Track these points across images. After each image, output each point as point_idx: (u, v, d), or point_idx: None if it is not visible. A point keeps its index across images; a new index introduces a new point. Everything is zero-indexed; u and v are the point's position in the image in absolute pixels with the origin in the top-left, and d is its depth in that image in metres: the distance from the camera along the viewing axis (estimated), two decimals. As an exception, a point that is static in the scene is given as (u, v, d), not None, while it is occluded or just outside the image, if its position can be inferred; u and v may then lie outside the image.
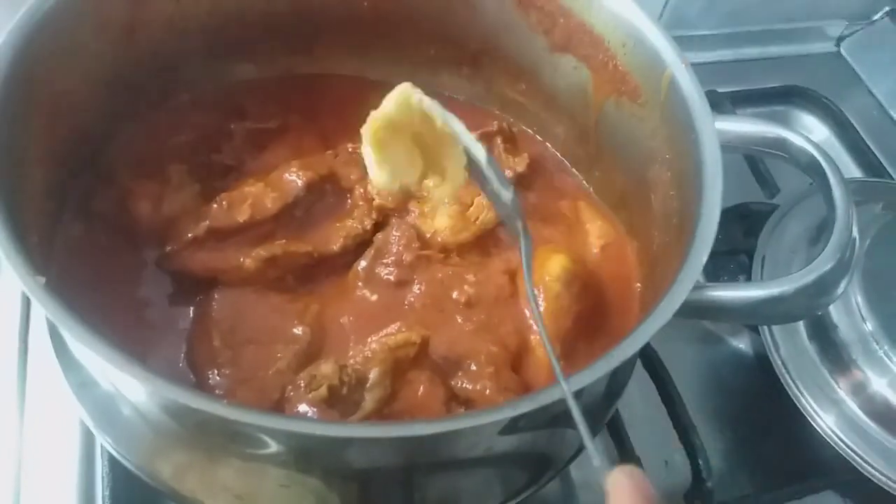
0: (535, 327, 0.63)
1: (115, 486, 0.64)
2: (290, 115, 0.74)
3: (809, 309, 0.60)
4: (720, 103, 1.01)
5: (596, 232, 0.72)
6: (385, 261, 0.65)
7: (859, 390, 0.74)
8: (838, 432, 0.73)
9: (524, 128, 0.80)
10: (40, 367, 0.72)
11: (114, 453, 0.57)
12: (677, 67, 0.60)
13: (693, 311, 0.50)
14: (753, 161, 0.97)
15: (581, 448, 0.61)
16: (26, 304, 0.76)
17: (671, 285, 0.49)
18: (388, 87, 0.78)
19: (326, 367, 0.54)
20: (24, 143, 0.54)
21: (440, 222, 0.67)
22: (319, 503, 0.52)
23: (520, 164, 0.72)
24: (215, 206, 0.63)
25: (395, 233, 0.65)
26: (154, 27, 0.67)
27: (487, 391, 0.57)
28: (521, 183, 0.73)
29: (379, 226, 0.67)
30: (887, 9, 1.20)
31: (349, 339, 0.62)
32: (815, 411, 0.74)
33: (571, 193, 0.75)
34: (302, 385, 0.54)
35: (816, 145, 0.57)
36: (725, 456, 0.80)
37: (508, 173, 0.71)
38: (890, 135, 1.12)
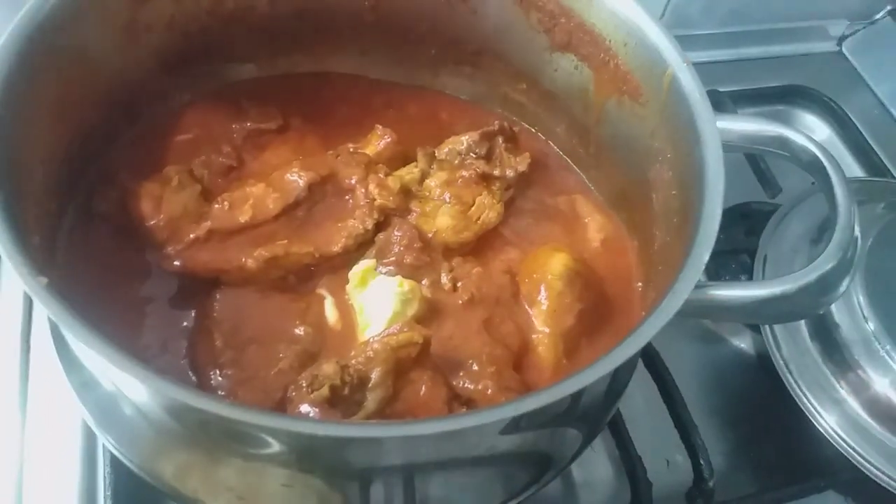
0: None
1: (117, 486, 0.64)
2: (290, 116, 0.74)
3: (811, 308, 0.60)
4: (722, 103, 1.01)
5: (595, 226, 0.72)
6: (387, 261, 0.65)
7: (861, 390, 0.74)
8: (840, 432, 0.73)
9: (526, 125, 0.80)
10: (42, 367, 0.72)
11: (115, 453, 0.57)
12: (679, 67, 0.60)
13: (695, 310, 0.50)
14: (755, 160, 0.97)
15: (582, 448, 0.61)
16: (28, 304, 0.76)
17: (673, 284, 0.49)
18: (389, 87, 0.77)
19: (328, 367, 0.54)
20: (25, 143, 0.54)
21: (442, 222, 0.67)
22: (321, 503, 0.52)
23: (521, 163, 0.72)
24: (217, 206, 0.63)
25: (396, 233, 0.65)
26: (155, 27, 0.67)
27: (489, 391, 0.57)
28: (523, 181, 0.73)
29: (380, 226, 0.66)
30: (889, 8, 1.20)
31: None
32: (816, 411, 0.74)
33: (572, 191, 0.75)
34: (304, 385, 0.54)
35: (818, 144, 0.57)
36: (727, 455, 0.80)
37: (510, 173, 0.71)
38: (892, 134, 1.12)
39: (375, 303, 0.61)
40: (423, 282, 0.64)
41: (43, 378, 0.72)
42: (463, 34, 0.76)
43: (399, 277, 0.63)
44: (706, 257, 0.51)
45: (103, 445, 0.67)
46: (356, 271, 0.63)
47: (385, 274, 0.64)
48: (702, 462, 0.71)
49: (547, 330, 0.63)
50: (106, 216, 0.63)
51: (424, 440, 0.46)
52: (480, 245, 0.69)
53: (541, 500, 0.62)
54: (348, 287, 0.64)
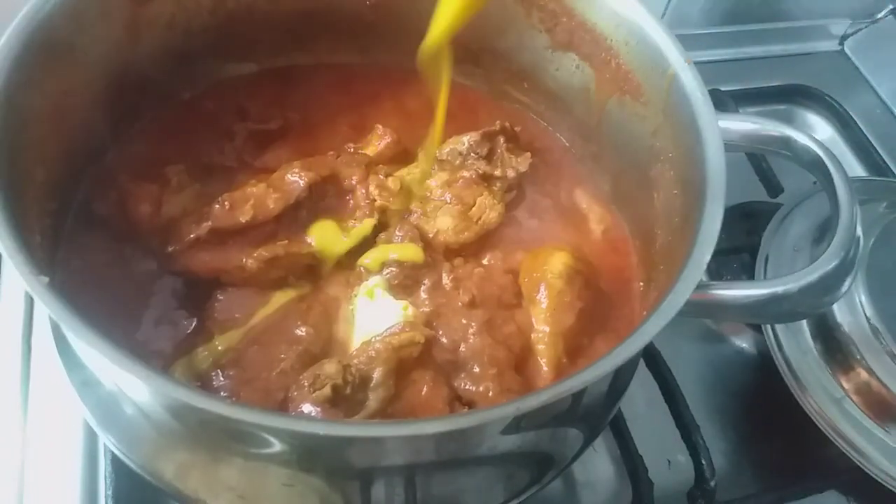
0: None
1: (118, 486, 0.64)
2: (291, 116, 0.74)
3: (813, 307, 0.60)
4: (723, 102, 1.01)
5: (595, 217, 0.72)
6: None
7: (863, 389, 0.74)
8: (841, 431, 0.73)
9: (534, 117, 0.79)
10: (43, 367, 0.72)
11: (117, 452, 0.57)
12: (680, 66, 0.60)
13: (696, 309, 0.50)
14: (757, 160, 0.97)
15: (584, 448, 0.61)
16: (29, 303, 0.76)
17: (674, 284, 0.49)
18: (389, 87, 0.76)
19: (330, 367, 0.54)
20: (25, 142, 0.54)
21: (442, 222, 0.67)
22: (322, 502, 0.52)
23: (522, 163, 0.72)
24: (217, 206, 0.63)
25: (397, 233, 0.65)
26: (155, 27, 0.67)
27: (490, 393, 0.57)
28: (524, 180, 0.73)
29: (381, 226, 0.66)
30: (891, 7, 1.20)
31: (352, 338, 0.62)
32: (818, 410, 0.74)
33: (572, 186, 0.75)
34: (306, 385, 0.54)
35: (820, 144, 0.57)
36: (728, 455, 0.79)
37: (511, 173, 0.71)
38: (893, 133, 1.12)
39: (375, 318, 0.61)
40: (425, 282, 0.64)
41: (44, 377, 0.72)
42: (463, 32, 0.76)
43: (405, 302, 0.63)
44: (708, 257, 0.50)
45: (104, 445, 0.67)
46: (368, 284, 0.64)
47: (388, 278, 0.64)
48: (703, 462, 0.71)
49: (547, 329, 0.63)
50: (105, 218, 0.63)
51: (426, 440, 0.46)
52: (482, 245, 0.69)
53: (542, 500, 0.62)
54: (353, 292, 0.64)
